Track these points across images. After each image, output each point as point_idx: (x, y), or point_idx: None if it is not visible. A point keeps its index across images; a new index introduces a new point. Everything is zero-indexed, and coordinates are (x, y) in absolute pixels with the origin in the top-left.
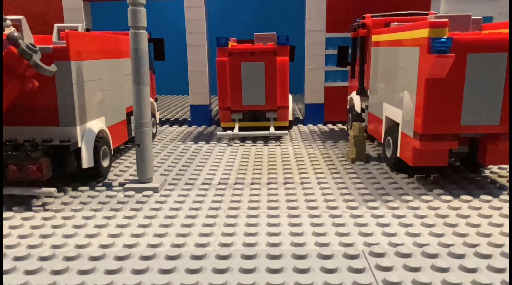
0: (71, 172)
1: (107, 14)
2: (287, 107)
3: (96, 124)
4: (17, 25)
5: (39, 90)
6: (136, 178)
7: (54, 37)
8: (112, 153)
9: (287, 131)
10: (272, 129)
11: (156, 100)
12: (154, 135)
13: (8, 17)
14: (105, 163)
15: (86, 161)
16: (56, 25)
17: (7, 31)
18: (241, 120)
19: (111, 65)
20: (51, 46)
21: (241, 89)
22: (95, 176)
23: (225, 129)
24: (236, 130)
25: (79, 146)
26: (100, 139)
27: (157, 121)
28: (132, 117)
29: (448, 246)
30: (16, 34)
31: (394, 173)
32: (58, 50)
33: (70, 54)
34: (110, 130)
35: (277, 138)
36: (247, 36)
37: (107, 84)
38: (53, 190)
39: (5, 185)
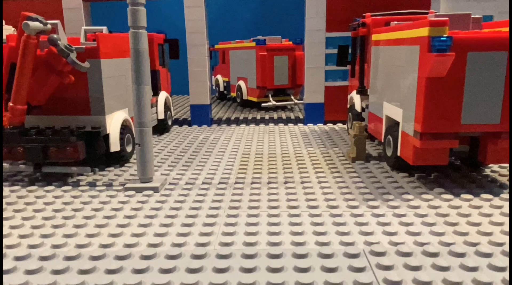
0: (100, 155)
1: (107, 14)
2: (302, 85)
3: (121, 114)
4: (54, 28)
5: (73, 84)
6: (137, 177)
7: (82, 38)
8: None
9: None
10: (293, 99)
11: (170, 95)
12: (169, 128)
13: (48, 21)
14: (128, 149)
15: (114, 145)
16: (83, 27)
17: (31, 28)
18: (272, 95)
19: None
20: (83, 46)
21: (273, 73)
22: (120, 159)
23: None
24: (272, 102)
25: (108, 132)
26: (124, 127)
27: (172, 114)
28: (152, 109)
29: (448, 245)
30: (55, 36)
31: (394, 172)
32: (89, 49)
33: (100, 53)
34: (132, 120)
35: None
36: (246, 36)
37: (128, 79)
38: (88, 168)
39: (46, 165)
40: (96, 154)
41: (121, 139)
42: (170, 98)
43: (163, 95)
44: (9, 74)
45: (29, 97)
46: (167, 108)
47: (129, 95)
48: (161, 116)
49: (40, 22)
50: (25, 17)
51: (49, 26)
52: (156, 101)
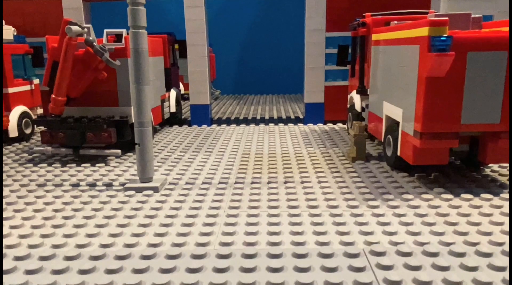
0: (127, 141)
1: (107, 14)
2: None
3: None
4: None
5: (104, 80)
6: (137, 178)
7: (104, 40)
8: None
9: None
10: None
11: (179, 91)
12: (181, 120)
13: (83, 25)
14: None
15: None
16: (105, 30)
17: (73, 31)
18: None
19: (152, 62)
20: (113, 46)
21: None
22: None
23: None
24: None
25: (133, 121)
26: None
27: (182, 108)
28: (165, 103)
29: (448, 244)
30: (91, 38)
31: (394, 172)
32: (118, 49)
33: (127, 52)
34: (151, 112)
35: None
36: (247, 35)
37: (150, 75)
38: (118, 151)
39: (84, 147)
40: (124, 140)
41: None
42: (180, 94)
43: (174, 91)
44: (51, 70)
45: (68, 90)
46: (178, 102)
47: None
48: (173, 109)
49: (79, 26)
50: (67, 22)
51: (85, 29)
52: (168, 96)
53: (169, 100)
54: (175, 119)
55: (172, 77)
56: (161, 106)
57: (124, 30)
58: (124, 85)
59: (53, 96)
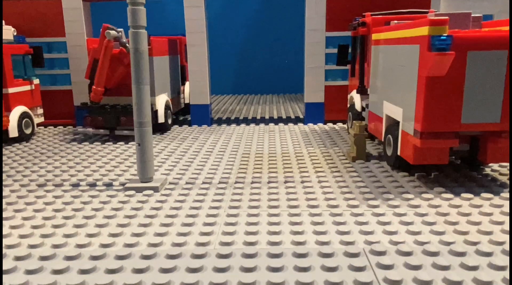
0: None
1: (107, 14)
2: None
3: (164, 96)
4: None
5: None
6: (137, 177)
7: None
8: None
9: None
10: None
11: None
12: (186, 110)
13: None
14: (169, 121)
15: (160, 118)
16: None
17: (111, 35)
18: None
19: (171, 59)
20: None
21: None
22: (164, 129)
23: None
24: None
25: (156, 109)
26: (167, 106)
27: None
28: (181, 95)
29: (449, 244)
30: (124, 40)
31: (394, 172)
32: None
33: (153, 52)
34: (171, 101)
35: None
36: (247, 35)
37: (167, 71)
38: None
39: (118, 128)
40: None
41: (165, 114)
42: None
43: (188, 85)
44: (92, 66)
45: (106, 82)
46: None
47: (168, 83)
48: (187, 100)
49: (115, 30)
50: (106, 28)
51: (120, 33)
52: (183, 89)
53: (183, 92)
54: (189, 109)
55: (186, 73)
56: (178, 96)
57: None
58: (150, 79)
59: (94, 87)
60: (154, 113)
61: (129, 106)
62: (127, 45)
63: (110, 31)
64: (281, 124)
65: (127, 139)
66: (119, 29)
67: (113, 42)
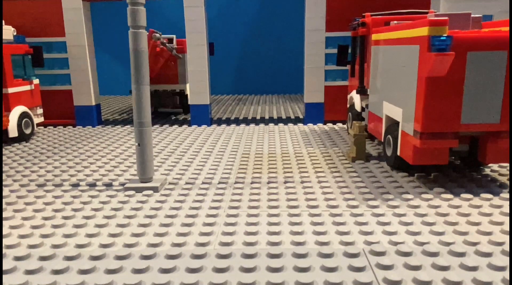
0: (182, 106)
1: (107, 14)
2: None
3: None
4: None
5: (170, 66)
6: (137, 178)
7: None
8: None
9: None
10: None
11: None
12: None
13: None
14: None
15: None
16: (162, 36)
17: (156, 37)
18: None
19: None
20: (176, 46)
21: None
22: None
23: None
24: None
25: (186, 93)
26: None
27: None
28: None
29: (448, 244)
30: (164, 41)
31: (394, 172)
32: (179, 48)
33: (184, 49)
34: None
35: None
36: (247, 35)
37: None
38: (181, 110)
39: (159, 108)
40: (184, 105)
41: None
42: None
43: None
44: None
45: (150, 72)
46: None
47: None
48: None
49: (159, 33)
50: (152, 32)
51: (161, 36)
52: None
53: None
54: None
55: None
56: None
57: (174, 36)
58: (181, 69)
59: None
60: (186, 97)
61: (167, 91)
62: (167, 44)
63: (156, 35)
64: (281, 124)
65: (166, 118)
66: (158, 32)
67: (157, 43)
